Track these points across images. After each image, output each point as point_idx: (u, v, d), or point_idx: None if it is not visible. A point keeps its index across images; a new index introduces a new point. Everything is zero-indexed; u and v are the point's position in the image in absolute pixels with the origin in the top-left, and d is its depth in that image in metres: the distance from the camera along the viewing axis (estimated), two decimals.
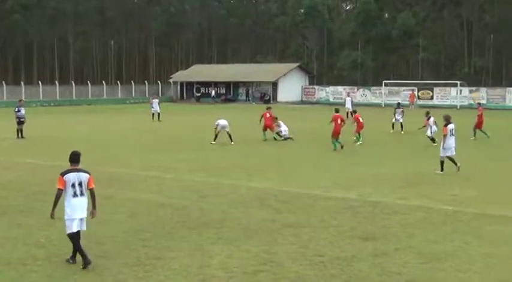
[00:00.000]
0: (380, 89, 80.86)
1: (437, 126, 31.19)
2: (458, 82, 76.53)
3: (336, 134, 29.77)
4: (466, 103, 73.37)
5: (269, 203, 17.02)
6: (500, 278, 10.74)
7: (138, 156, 27.82)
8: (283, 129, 34.34)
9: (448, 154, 22.50)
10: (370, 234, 13.58)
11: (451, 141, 22.41)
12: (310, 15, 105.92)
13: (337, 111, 30.91)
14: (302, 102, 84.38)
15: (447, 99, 75.65)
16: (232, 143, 32.08)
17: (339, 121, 29.82)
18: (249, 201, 17.34)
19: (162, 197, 18.05)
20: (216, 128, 32.62)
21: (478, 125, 35.46)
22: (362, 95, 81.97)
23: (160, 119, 49.21)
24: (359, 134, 32.92)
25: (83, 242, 11.37)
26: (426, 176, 21.99)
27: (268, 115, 34.15)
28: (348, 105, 52.61)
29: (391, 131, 38.95)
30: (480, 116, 35.63)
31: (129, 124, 46.98)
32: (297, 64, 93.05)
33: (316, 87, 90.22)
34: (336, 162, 25.86)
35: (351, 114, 44.27)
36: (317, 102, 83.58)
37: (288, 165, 25.07)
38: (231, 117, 37.10)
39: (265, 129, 34.07)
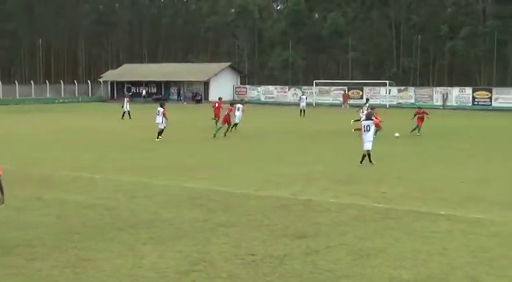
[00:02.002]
0: (311, 89, 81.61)
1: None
2: (387, 82, 77.93)
3: (224, 122, 35.97)
4: (395, 102, 74.86)
5: (201, 202, 16.95)
6: (429, 274, 10.93)
7: (68, 156, 27.35)
8: None
9: (366, 148, 24.22)
10: (302, 233, 13.66)
11: (366, 136, 24.31)
12: (241, 15, 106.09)
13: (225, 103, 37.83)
14: (234, 101, 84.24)
15: (377, 98, 76.85)
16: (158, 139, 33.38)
17: (226, 112, 36.21)
18: (181, 201, 17.23)
19: (91, 197, 17.77)
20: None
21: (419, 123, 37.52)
22: (293, 94, 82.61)
23: (130, 117, 50.48)
24: None
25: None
26: (356, 174, 22.29)
27: None
28: (303, 104, 57.99)
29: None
30: (421, 118, 37.71)
31: (60, 124, 46.17)
32: (229, 64, 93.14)
33: (247, 86, 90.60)
34: (267, 161, 25.93)
35: (304, 112, 56.07)
36: (248, 102, 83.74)
37: (220, 164, 25.04)
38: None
39: None
